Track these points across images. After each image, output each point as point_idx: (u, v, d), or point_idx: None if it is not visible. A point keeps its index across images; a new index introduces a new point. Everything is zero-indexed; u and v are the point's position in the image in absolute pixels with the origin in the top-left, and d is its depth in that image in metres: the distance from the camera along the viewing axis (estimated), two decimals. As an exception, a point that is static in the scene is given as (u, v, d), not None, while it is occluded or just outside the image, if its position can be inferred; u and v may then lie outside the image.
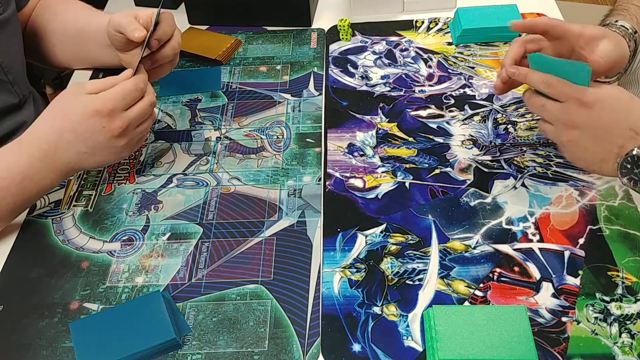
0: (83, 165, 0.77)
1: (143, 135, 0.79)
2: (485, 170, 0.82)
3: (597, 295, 0.68)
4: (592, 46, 0.76)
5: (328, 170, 0.84)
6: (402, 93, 0.95)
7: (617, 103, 0.69)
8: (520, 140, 0.86)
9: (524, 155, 0.83)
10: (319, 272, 0.73)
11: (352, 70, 1.00)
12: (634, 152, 0.66)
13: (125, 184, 0.85)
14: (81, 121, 0.73)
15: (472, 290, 0.69)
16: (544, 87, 0.71)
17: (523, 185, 0.80)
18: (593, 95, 0.68)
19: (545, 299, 0.68)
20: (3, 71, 0.88)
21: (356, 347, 0.66)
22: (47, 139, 0.74)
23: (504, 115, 0.90)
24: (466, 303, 0.68)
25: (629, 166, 0.67)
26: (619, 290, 0.68)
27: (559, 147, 0.76)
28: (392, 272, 0.72)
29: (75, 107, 0.74)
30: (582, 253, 0.72)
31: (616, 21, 0.83)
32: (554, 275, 0.70)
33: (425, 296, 0.69)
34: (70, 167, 0.76)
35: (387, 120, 0.91)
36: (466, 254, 0.73)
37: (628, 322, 0.65)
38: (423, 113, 0.91)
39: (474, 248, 0.73)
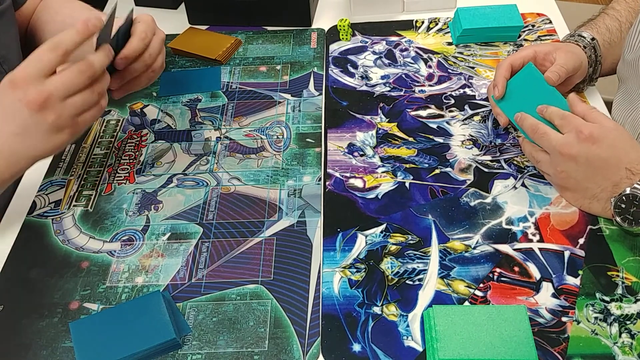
0: (20, 152, 0.66)
1: (77, 109, 0.66)
2: (485, 170, 0.82)
3: (597, 295, 0.68)
4: (550, 60, 0.82)
5: (328, 170, 0.84)
6: (402, 93, 0.95)
7: (617, 140, 0.70)
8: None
9: (524, 155, 0.83)
10: (319, 272, 0.73)
11: (352, 70, 1.00)
12: (628, 192, 0.68)
13: (125, 184, 0.85)
14: (2, 99, 0.64)
15: (472, 290, 0.69)
16: (558, 120, 0.73)
17: (523, 185, 0.80)
18: (596, 130, 0.70)
19: (545, 299, 0.68)
20: None
21: (356, 347, 0.66)
22: None
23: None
24: (466, 303, 0.68)
25: (623, 206, 0.69)
26: (619, 290, 0.68)
27: (548, 176, 0.77)
28: (392, 272, 0.72)
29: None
30: (582, 253, 0.72)
31: (578, 33, 0.88)
32: (554, 275, 0.70)
33: (425, 296, 0.69)
34: (6, 156, 0.66)
35: (387, 120, 0.90)
36: (466, 254, 0.73)
37: (628, 322, 0.65)
38: (423, 113, 0.91)
39: (474, 248, 0.73)
